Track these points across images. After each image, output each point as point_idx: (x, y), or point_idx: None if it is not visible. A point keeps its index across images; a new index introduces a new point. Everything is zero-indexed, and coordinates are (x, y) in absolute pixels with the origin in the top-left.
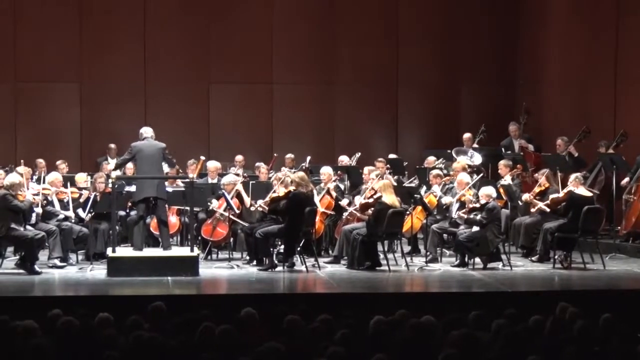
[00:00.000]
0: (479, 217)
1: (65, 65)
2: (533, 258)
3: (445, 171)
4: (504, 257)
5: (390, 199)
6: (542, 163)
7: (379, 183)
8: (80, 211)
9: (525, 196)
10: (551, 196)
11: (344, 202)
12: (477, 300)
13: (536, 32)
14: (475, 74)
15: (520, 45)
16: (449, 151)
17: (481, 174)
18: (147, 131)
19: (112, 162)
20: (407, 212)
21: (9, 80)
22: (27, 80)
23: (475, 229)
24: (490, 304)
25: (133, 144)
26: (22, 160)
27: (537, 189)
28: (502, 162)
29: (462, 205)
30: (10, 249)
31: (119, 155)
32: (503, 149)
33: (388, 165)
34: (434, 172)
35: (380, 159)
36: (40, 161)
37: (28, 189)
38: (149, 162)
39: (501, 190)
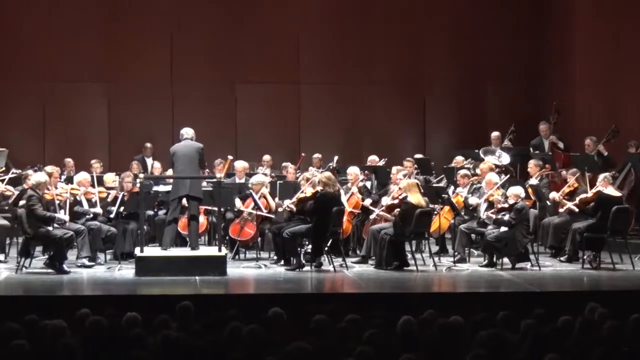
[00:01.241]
0: (507, 217)
1: (93, 65)
2: (562, 258)
3: (473, 171)
4: (532, 257)
5: (416, 198)
6: (570, 163)
7: (403, 182)
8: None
9: (554, 194)
10: (580, 196)
11: (366, 202)
12: (506, 300)
13: (565, 31)
14: (503, 73)
15: (549, 44)
16: (476, 151)
17: (509, 174)
18: (187, 132)
19: (148, 162)
20: (435, 212)
21: (39, 81)
22: (56, 80)
23: (504, 229)
24: (518, 304)
25: (171, 148)
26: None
27: (566, 189)
28: (532, 162)
29: (490, 205)
30: (39, 248)
31: (155, 154)
32: (531, 149)
33: (416, 165)
34: (462, 172)
35: (408, 159)
36: (69, 160)
37: (56, 188)
38: (184, 161)
39: (529, 190)
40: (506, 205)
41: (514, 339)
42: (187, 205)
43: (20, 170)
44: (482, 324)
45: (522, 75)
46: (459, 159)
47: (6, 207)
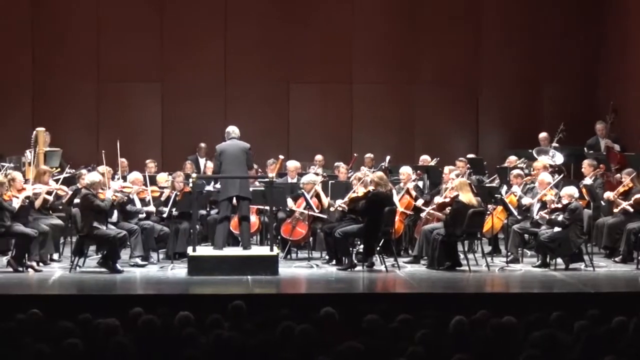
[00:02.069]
0: (561, 217)
1: (146, 64)
2: (616, 259)
3: (526, 171)
4: (586, 257)
5: (467, 197)
6: (626, 163)
7: (455, 182)
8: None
9: (608, 194)
10: (635, 196)
11: (419, 202)
12: (559, 301)
13: (622, 29)
14: (558, 72)
15: (604, 43)
16: (530, 150)
17: (562, 174)
18: (233, 130)
19: (201, 162)
20: (488, 212)
21: (92, 80)
22: (110, 80)
23: (557, 229)
24: (572, 305)
25: (217, 146)
26: (102, 154)
27: (620, 189)
28: (586, 162)
29: (544, 205)
30: (92, 247)
31: (209, 154)
32: (586, 148)
33: (469, 165)
34: (515, 171)
35: (461, 159)
36: (123, 160)
37: (109, 188)
38: (232, 161)
39: (583, 190)
40: (560, 206)
41: (567, 339)
42: (236, 205)
43: (74, 170)
44: (535, 325)
45: (576, 75)
46: (512, 158)
47: (60, 207)
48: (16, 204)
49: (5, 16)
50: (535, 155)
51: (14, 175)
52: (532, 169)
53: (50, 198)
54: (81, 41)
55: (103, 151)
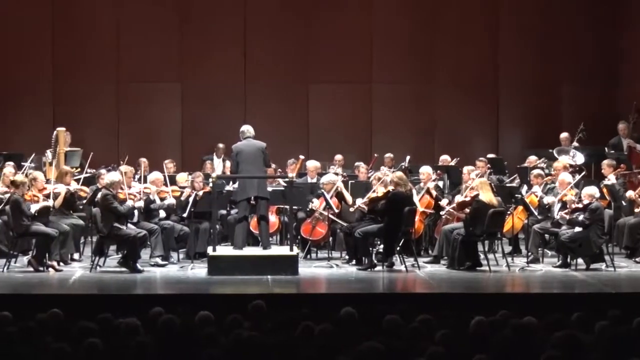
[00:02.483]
0: (581, 217)
1: (166, 65)
2: (637, 259)
3: (546, 171)
4: (607, 257)
5: (488, 196)
6: None
7: (476, 181)
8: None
9: (630, 194)
10: None
11: (443, 202)
12: (580, 301)
13: None
14: (577, 71)
15: (626, 44)
16: (550, 150)
17: (583, 174)
18: (249, 130)
19: (218, 162)
20: (508, 212)
21: (112, 81)
22: (130, 80)
23: (578, 229)
24: (593, 305)
25: (233, 146)
26: (125, 157)
27: None
28: (605, 162)
29: (564, 205)
30: (113, 247)
31: (227, 154)
32: (607, 148)
33: (489, 165)
34: (535, 171)
35: (481, 159)
36: (143, 160)
37: (130, 187)
38: (249, 161)
39: (604, 190)
40: (580, 206)
41: (588, 340)
42: (255, 204)
43: (94, 170)
44: (555, 325)
45: (596, 74)
46: (532, 158)
47: (81, 207)
48: (34, 209)
49: (26, 18)
50: (555, 155)
51: (35, 175)
52: (552, 169)
53: (69, 188)
54: (101, 42)
55: (126, 158)
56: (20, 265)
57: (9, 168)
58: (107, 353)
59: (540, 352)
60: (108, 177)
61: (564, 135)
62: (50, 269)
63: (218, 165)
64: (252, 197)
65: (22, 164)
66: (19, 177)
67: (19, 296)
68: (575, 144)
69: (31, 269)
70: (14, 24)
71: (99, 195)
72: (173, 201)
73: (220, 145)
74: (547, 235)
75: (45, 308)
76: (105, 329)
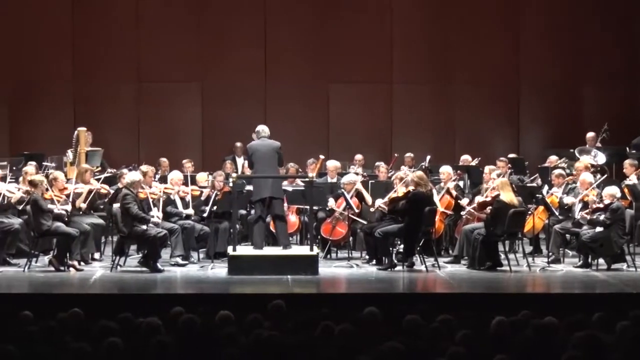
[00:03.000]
0: (602, 217)
1: (186, 65)
2: None
3: (567, 171)
4: (628, 258)
5: (508, 196)
6: None
7: (497, 181)
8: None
9: None
10: None
11: (463, 201)
12: (601, 301)
13: None
14: (599, 70)
15: None
16: (571, 150)
17: (605, 174)
18: (263, 130)
19: (240, 161)
20: (529, 212)
21: (132, 81)
22: (150, 80)
23: (599, 229)
24: (614, 306)
25: (248, 145)
26: (142, 162)
27: None
28: (627, 162)
29: (585, 205)
30: (133, 247)
31: (246, 154)
32: (628, 148)
33: (510, 165)
34: (557, 171)
35: (501, 159)
36: (164, 160)
37: (151, 187)
38: (264, 161)
39: (626, 190)
40: (601, 206)
41: (610, 340)
42: (269, 205)
43: (115, 170)
44: (576, 326)
45: (617, 74)
46: (553, 158)
47: (101, 206)
48: (56, 210)
49: (46, 19)
50: (577, 155)
51: (56, 175)
52: (573, 169)
53: (91, 189)
54: (121, 42)
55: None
56: (41, 265)
57: (30, 168)
58: (127, 352)
59: (561, 353)
60: (128, 176)
61: (590, 134)
62: (71, 269)
63: (240, 165)
64: (268, 198)
65: (43, 163)
66: (37, 176)
67: (39, 295)
68: (599, 144)
69: (52, 268)
70: (34, 25)
71: (120, 195)
72: (192, 212)
73: (238, 144)
74: (568, 235)
75: (66, 307)
76: (125, 329)
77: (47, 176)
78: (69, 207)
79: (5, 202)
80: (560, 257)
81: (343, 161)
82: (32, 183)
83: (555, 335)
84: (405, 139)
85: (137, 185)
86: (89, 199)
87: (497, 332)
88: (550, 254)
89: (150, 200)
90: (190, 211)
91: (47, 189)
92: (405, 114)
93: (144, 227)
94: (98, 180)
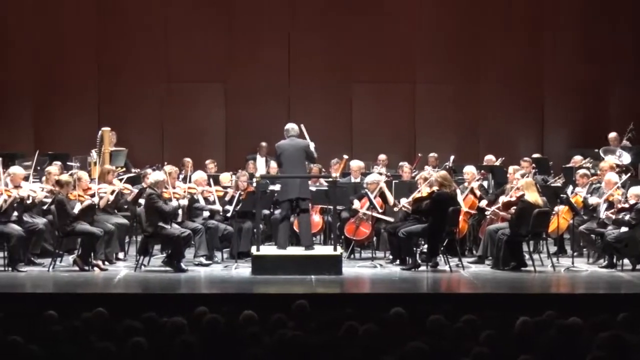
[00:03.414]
0: (627, 217)
1: (211, 66)
2: None
3: (592, 171)
4: None
5: (533, 197)
6: None
7: (522, 181)
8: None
9: None
10: None
11: (482, 203)
12: (626, 301)
13: None
14: (624, 71)
15: None
16: (596, 150)
17: (630, 174)
18: (292, 128)
19: (261, 161)
20: (553, 212)
21: (156, 81)
22: (174, 80)
23: (624, 229)
24: (639, 306)
25: (277, 144)
26: (165, 162)
27: None
28: None
29: (610, 205)
30: (157, 246)
31: (269, 154)
32: None
33: (534, 165)
34: (581, 171)
35: (525, 159)
36: (188, 160)
37: (175, 187)
38: (292, 162)
39: None
40: (626, 206)
41: (634, 341)
42: (296, 205)
43: (139, 170)
44: (601, 326)
45: None
46: (578, 158)
47: (125, 206)
48: (77, 209)
49: (72, 19)
50: (602, 154)
51: (80, 175)
52: (598, 169)
53: (112, 197)
54: (146, 43)
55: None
56: (65, 265)
57: (53, 168)
58: (151, 352)
59: (586, 353)
60: (152, 176)
61: (612, 135)
62: (95, 268)
63: (261, 165)
64: (295, 198)
65: (68, 163)
66: (64, 176)
67: (64, 295)
68: (625, 142)
69: (76, 268)
70: (60, 25)
71: (144, 194)
72: (219, 208)
73: (263, 144)
74: (593, 236)
75: (90, 307)
76: (149, 328)
77: (71, 176)
78: (96, 200)
79: (30, 202)
80: (590, 257)
81: (367, 161)
82: (59, 183)
83: (580, 335)
84: (429, 139)
85: (160, 185)
86: (108, 199)
87: (522, 333)
88: (575, 254)
89: (174, 200)
90: (218, 207)
91: (73, 189)
92: (428, 113)
93: (168, 226)
94: (121, 180)
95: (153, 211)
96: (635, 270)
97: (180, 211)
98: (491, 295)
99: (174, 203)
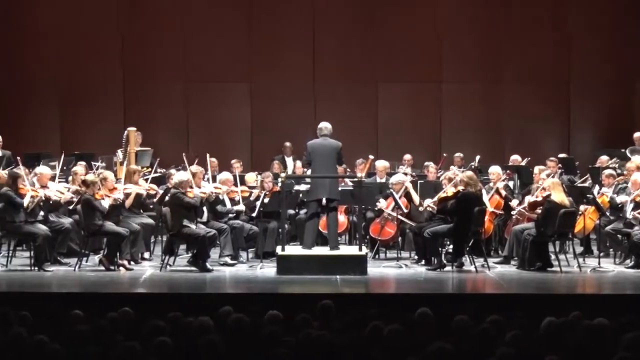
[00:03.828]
0: None
1: (235, 65)
2: None
3: (619, 171)
4: None
5: (560, 197)
6: None
7: (548, 181)
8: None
9: None
10: None
11: (513, 202)
12: None
13: None
14: None
15: None
16: (623, 150)
17: None
18: (325, 127)
19: (289, 161)
20: (579, 213)
21: (182, 81)
22: (199, 80)
23: None
24: None
25: (308, 143)
26: (195, 159)
27: None
28: None
29: (637, 205)
30: (182, 246)
31: (295, 153)
32: None
33: (560, 165)
34: (607, 171)
35: (551, 159)
36: (213, 160)
37: (200, 187)
38: (322, 162)
39: None
40: None
41: None
42: (325, 205)
43: (164, 169)
44: (628, 327)
45: None
46: (604, 158)
47: (151, 206)
48: (106, 204)
49: (96, 20)
50: (628, 154)
51: (106, 175)
52: (624, 169)
53: (143, 193)
54: (171, 43)
55: (195, 160)
56: (91, 264)
57: (80, 168)
58: (177, 352)
59: (612, 354)
60: (176, 176)
61: (637, 134)
62: (121, 268)
63: (290, 165)
64: (324, 199)
65: (94, 163)
66: (90, 176)
67: (90, 295)
68: None
69: (102, 267)
70: (85, 27)
71: (169, 194)
72: (243, 208)
73: (288, 144)
74: (619, 236)
75: (116, 307)
76: (175, 328)
77: (97, 175)
78: (121, 196)
79: (56, 201)
80: (615, 257)
81: (392, 161)
82: (85, 183)
83: (606, 336)
84: (455, 138)
85: (185, 185)
86: (136, 199)
87: (547, 333)
88: (601, 254)
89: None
90: (242, 207)
91: (99, 189)
92: (454, 113)
93: (193, 225)
94: (147, 180)
95: (178, 210)
96: None
97: (205, 211)
98: (517, 296)
99: (197, 192)
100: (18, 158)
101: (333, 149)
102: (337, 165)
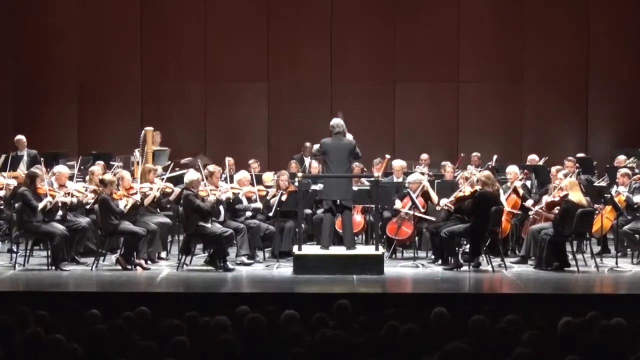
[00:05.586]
0: None
1: (253, 65)
2: None
3: (636, 170)
4: None
5: (577, 197)
6: None
7: (565, 181)
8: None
9: None
10: None
11: (528, 203)
12: None
13: None
14: None
15: None
16: None
17: None
18: (338, 124)
19: (308, 161)
20: (597, 212)
21: (200, 81)
22: (217, 80)
23: None
24: None
25: (322, 141)
26: (209, 161)
27: None
28: None
29: None
30: (199, 245)
31: (320, 148)
32: None
33: (578, 165)
34: (622, 170)
35: (569, 158)
36: (229, 159)
37: (217, 187)
38: (335, 161)
39: None
40: None
41: None
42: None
43: (179, 169)
44: None
45: None
46: (622, 158)
47: (168, 205)
48: (123, 206)
49: (115, 21)
50: None
51: (123, 175)
52: None
53: (157, 194)
54: (189, 42)
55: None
56: (108, 264)
57: (97, 167)
58: (194, 351)
59: (630, 354)
60: (187, 176)
61: None
62: (137, 267)
63: (308, 165)
64: (338, 201)
65: (111, 163)
66: (108, 176)
67: (107, 294)
68: None
69: (119, 267)
70: (103, 26)
71: (183, 195)
72: (260, 205)
73: (308, 144)
74: (637, 236)
75: (133, 306)
76: (192, 327)
77: (114, 175)
78: (138, 197)
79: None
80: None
81: (409, 160)
82: (102, 182)
83: (624, 336)
84: (472, 138)
85: (196, 185)
86: (153, 198)
87: (565, 333)
88: (619, 254)
89: (211, 195)
90: (259, 204)
91: (117, 189)
92: (471, 112)
93: (209, 225)
94: (163, 179)
95: (192, 211)
96: None
97: (222, 210)
98: (534, 296)
99: (211, 198)
100: (42, 159)
101: (347, 148)
102: (355, 159)
